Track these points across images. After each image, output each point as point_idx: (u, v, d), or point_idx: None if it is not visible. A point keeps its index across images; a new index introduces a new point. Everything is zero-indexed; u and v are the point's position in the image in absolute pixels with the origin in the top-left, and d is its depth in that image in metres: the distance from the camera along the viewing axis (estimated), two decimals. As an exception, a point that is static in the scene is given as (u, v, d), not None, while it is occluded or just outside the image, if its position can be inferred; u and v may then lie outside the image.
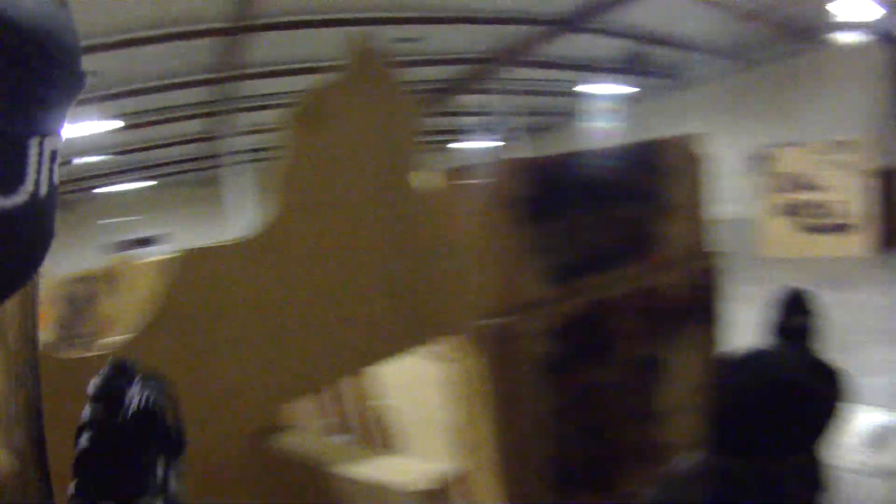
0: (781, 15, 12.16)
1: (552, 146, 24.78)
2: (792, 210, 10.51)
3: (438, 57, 12.83)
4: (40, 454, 0.44)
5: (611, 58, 13.60)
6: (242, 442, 1.83)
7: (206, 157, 18.22)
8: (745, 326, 6.49)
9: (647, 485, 3.24)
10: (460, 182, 2.59)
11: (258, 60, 11.03)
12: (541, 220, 2.87)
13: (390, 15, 10.16)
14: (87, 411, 0.64)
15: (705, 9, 11.20)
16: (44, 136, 0.37)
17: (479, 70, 13.47)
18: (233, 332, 1.83)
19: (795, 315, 2.31)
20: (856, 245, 9.77)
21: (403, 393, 3.07)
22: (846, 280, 8.13)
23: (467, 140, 21.33)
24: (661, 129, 15.09)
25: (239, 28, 9.39)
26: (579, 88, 15.98)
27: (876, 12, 10.69)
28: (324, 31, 10.07)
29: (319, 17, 9.84)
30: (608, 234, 3.22)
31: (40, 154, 0.37)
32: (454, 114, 18.17)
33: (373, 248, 1.93)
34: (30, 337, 0.43)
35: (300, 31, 10.15)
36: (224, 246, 1.91)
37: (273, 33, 9.94)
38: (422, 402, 2.91)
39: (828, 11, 11.17)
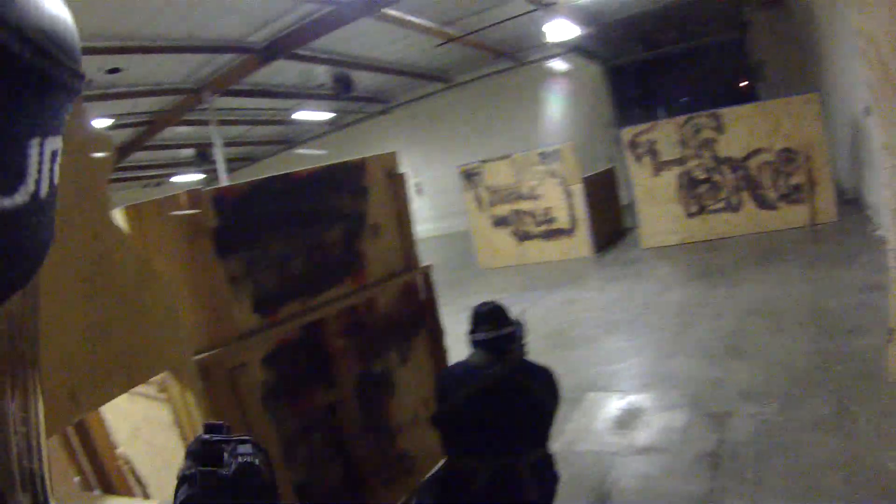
0: (487, 36, 13.34)
1: (266, 174, 24.66)
2: (509, 220, 11.42)
3: (147, 88, 12.06)
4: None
5: (318, 84, 13.88)
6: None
7: None
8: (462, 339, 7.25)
9: (400, 496, 3.48)
10: (161, 216, 2.53)
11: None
12: (241, 249, 2.90)
13: (94, 45, 9.27)
14: (188, 465, 0.69)
15: (409, 33, 11.89)
16: (44, 136, 0.37)
17: (189, 100, 12.95)
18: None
19: (488, 327, 2.52)
20: (572, 247, 10.76)
21: (137, 437, 2.95)
22: (569, 281, 9.20)
23: (182, 173, 20.56)
24: (370, 151, 15.89)
25: None
26: (291, 115, 16.19)
27: (576, 31, 12.05)
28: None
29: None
30: (314, 257, 3.32)
31: (40, 154, 0.37)
32: (166, 146, 17.25)
33: (72, 291, 1.84)
34: (31, 338, 0.44)
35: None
36: None
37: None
38: (156, 444, 2.80)
39: (533, 32, 12.52)
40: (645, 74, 16.72)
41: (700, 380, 4.58)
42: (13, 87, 0.33)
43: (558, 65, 15.77)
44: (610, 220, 11.67)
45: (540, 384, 2.51)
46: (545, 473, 2.55)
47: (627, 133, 10.04)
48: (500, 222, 11.50)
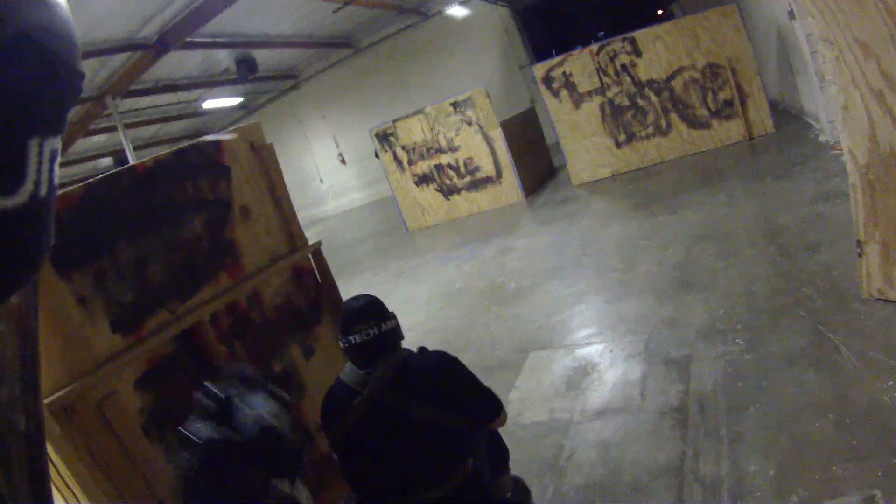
0: None
1: None
2: (431, 176, 10.81)
3: None
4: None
5: (223, 69, 13.18)
6: None
7: None
8: (406, 302, 6.78)
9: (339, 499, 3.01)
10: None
11: None
12: (85, 263, 2.39)
13: None
14: (198, 428, 0.79)
15: (305, 1, 11.27)
16: (44, 136, 0.37)
17: (93, 108, 11.95)
18: None
19: (361, 327, 2.02)
20: (502, 195, 10.25)
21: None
22: (502, 230, 8.68)
23: None
24: (286, 129, 15.08)
25: None
26: (201, 105, 15.25)
27: None
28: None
29: None
30: (176, 256, 2.77)
31: (40, 154, 0.37)
32: (83, 160, 16.13)
33: None
34: (32, 336, 0.45)
35: None
36: None
37: None
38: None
39: None
40: (557, 12, 16.13)
41: (653, 322, 4.07)
42: (13, 87, 0.34)
43: (464, 12, 15.04)
44: (538, 162, 11.16)
45: (426, 397, 1.97)
46: None
47: (540, 69, 9.45)
48: (422, 180, 10.86)
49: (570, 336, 4.41)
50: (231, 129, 3.23)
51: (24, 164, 0.36)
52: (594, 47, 8.99)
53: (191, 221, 2.89)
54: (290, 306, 3.28)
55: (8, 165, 0.35)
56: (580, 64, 9.11)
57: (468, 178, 10.46)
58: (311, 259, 3.41)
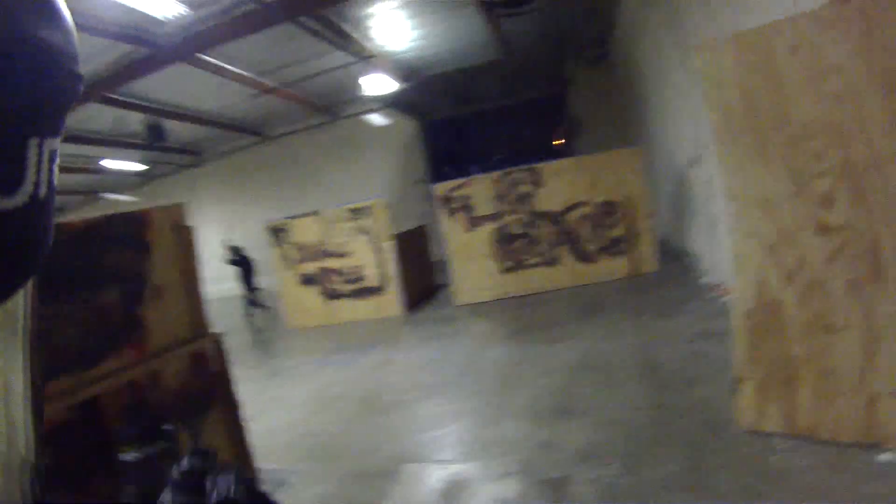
0: (304, 89, 13.13)
1: None
2: (317, 279, 10.84)
3: None
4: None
5: (131, 131, 12.87)
6: None
7: None
8: (281, 401, 6.62)
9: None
10: None
11: None
12: None
13: None
14: (168, 497, 0.63)
15: (224, 83, 11.42)
16: (43, 136, 0.38)
17: None
18: None
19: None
20: (384, 306, 10.37)
21: None
22: (382, 341, 8.75)
23: None
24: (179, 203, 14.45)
25: None
26: (99, 162, 14.66)
27: (394, 85, 12.19)
28: None
29: None
30: (87, 323, 2.75)
31: (40, 155, 0.37)
32: None
33: None
34: (32, 334, 0.46)
35: None
36: None
37: None
38: None
39: (350, 85, 12.41)
40: (461, 130, 17.12)
41: (530, 444, 4.31)
42: (13, 88, 0.34)
43: (375, 119, 15.82)
44: (422, 278, 11.56)
45: None
46: None
47: (441, 189, 10.03)
48: (308, 280, 10.91)
49: (446, 451, 4.55)
50: (160, 206, 3.29)
51: (23, 165, 0.36)
52: (497, 174, 9.69)
53: (107, 291, 2.90)
54: (184, 391, 3.25)
55: (8, 166, 0.35)
56: (481, 188, 9.76)
57: (353, 286, 10.65)
58: (212, 347, 3.43)
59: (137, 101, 11.47)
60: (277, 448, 5.28)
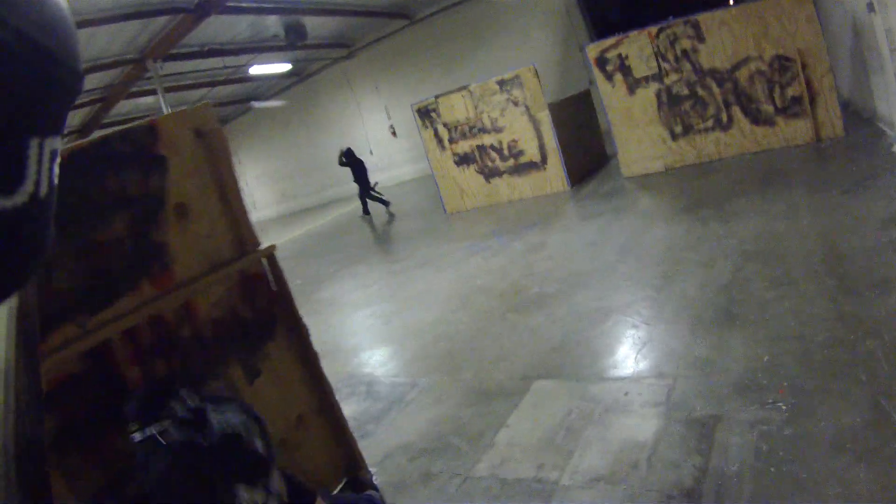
0: None
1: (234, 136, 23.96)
2: (473, 157, 10.06)
3: (104, 62, 11.08)
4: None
5: (271, 35, 12.83)
6: None
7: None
8: (423, 297, 6.26)
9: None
10: None
11: None
12: None
13: None
14: (169, 433, 0.62)
15: None
16: (44, 136, 0.37)
17: (135, 71, 11.87)
18: None
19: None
20: (546, 182, 9.49)
21: None
22: (539, 221, 7.99)
23: None
24: (337, 98, 14.67)
25: None
26: (248, 71, 15.00)
27: None
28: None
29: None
30: (89, 261, 2.31)
31: (40, 154, 0.37)
32: (131, 119, 16.30)
33: None
34: (33, 333, 0.46)
35: None
36: None
37: None
38: None
39: None
40: None
41: (683, 362, 3.38)
42: (12, 87, 0.34)
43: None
44: (587, 149, 10.30)
45: None
46: None
47: (594, 49, 8.58)
48: (463, 160, 10.21)
49: (584, 367, 3.76)
50: (177, 110, 2.72)
51: (23, 164, 0.35)
52: (653, 29, 8.08)
53: (109, 221, 2.40)
54: (233, 320, 2.76)
55: (8, 165, 0.34)
56: (637, 46, 8.22)
57: (511, 162, 9.75)
58: (266, 264, 2.89)
59: (270, 5, 11.19)
60: (405, 354, 4.89)
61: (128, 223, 2.46)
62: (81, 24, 9.11)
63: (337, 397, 2.83)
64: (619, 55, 8.33)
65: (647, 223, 6.39)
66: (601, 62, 8.50)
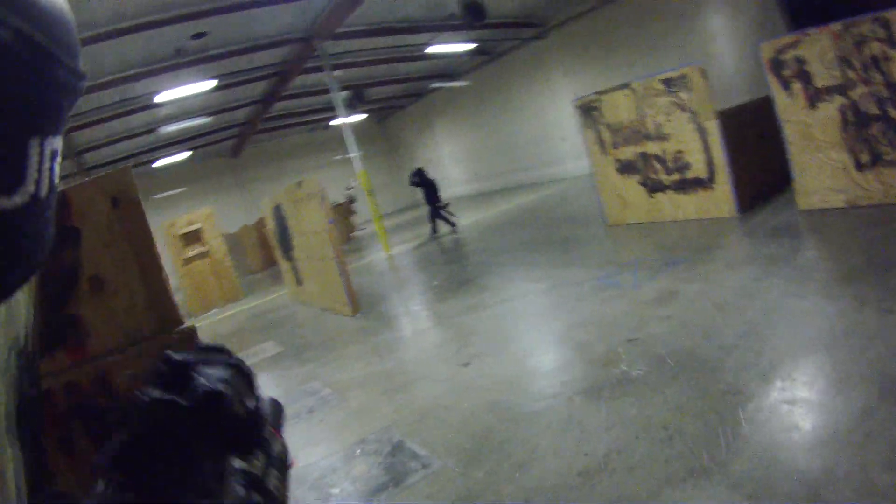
0: None
1: (416, 113, 24.11)
2: (637, 166, 8.79)
3: (266, 41, 11.96)
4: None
5: (447, 14, 12.60)
6: None
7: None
8: (499, 344, 5.49)
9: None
10: None
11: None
12: None
13: (172, 14, 9.59)
14: (148, 391, 0.56)
15: None
16: (44, 136, 0.37)
17: (301, 50, 12.58)
18: None
19: None
20: (711, 203, 8.08)
21: None
22: (688, 256, 6.79)
23: (335, 117, 20.48)
24: (526, 81, 13.97)
25: None
26: (426, 50, 14.95)
27: None
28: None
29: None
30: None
31: (40, 154, 0.37)
32: (315, 93, 17.26)
33: None
34: (33, 332, 0.42)
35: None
36: None
37: None
38: None
39: None
40: None
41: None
42: (13, 87, 0.33)
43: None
44: (766, 168, 8.47)
45: None
46: None
47: (767, 49, 6.94)
48: (626, 168, 9.12)
49: None
50: (90, 178, 2.47)
51: (24, 164, 0.35)
52: (837, 26, 6.28)
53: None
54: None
55: (8, 165, 0.34)
56: (818, 48, 6.48)
57: (676, 176, 8.49)
58: (181, 344, 2.61)
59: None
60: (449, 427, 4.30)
61: (40, 297, 2.30)
62: (235, 8, 9.78)
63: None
64: (797, 57, 6.64)
65: (796, 289, 4.95)
66: (776, 65, 6.86)
